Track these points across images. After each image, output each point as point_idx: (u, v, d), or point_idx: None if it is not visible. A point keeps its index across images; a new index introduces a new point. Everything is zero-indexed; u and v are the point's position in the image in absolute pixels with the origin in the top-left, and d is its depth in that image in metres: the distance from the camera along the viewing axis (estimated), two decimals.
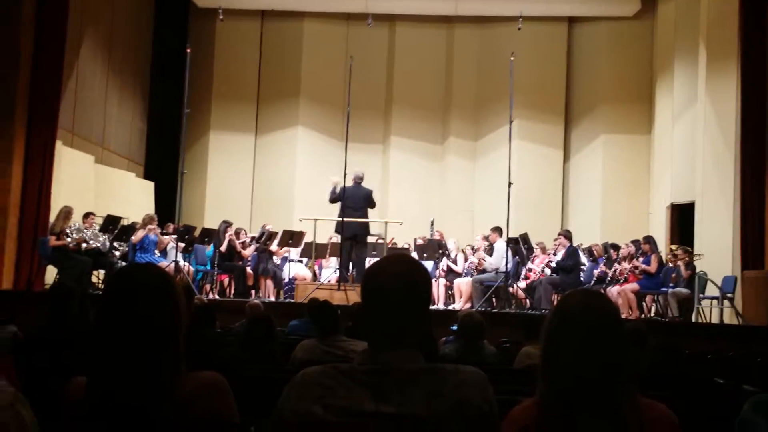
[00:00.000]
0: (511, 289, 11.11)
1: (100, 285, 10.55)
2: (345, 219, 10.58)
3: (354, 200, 10.74)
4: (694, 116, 12.51)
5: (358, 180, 10.96)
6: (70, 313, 4.45)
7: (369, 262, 10.40)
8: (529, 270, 11.44)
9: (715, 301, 10.50)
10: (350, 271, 10.82)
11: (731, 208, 11.21)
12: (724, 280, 10.53)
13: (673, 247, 11.02)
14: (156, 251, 10.97)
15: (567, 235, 11.28)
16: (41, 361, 3.78)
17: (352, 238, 10.71)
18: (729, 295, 10.26)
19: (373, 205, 11.09)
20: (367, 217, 11.01)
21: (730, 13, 11.34)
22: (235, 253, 11.45)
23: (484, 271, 11.28)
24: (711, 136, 11.81)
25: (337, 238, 11.39)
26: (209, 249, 11.65)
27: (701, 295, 10.41)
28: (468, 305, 10.83)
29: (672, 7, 13.83)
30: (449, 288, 11.79)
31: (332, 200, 10.93)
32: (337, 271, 10.65)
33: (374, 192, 11.31)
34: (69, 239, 9.98)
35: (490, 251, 11.47)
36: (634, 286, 10.57)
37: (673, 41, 13.51)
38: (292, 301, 10.74)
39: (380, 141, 16.10)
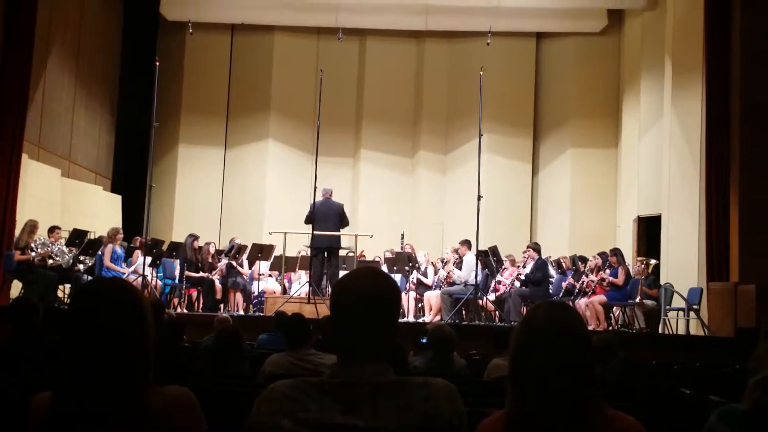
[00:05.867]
0: (480, 301, 11.14)
1: (66, 300, 10.41)
2: (316, 233, 10.63)
3: (325, 214, 10.75)
4: (660, 130, 12.68)
5: (328, 194, 10.98)
6: (33, 328, 4.39)
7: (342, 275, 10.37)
8: (499, 282, 11.50)
9: (681, 313, 10.64)
10: (325, 285, 10.77)
11: (697, 221, 11.34)
12: (690, 291, 10.66)
13: (640, 259, 11.15)
14: (123, 265, 10.86)
15: (536, 247, 11.37)
16: (5, 376, 3.72)
17: (326, 251, 10.74)
18: (695, 307, 10.38)
19: (345, 222, 11.07)
20: (338, 230, 11.01)
21: (695, 28, 11.53)
22: (205, 263, 11.37)
23: (453, 283, 11.30)
24: (677, 149, 11.96)
25: (306, 252, 11.36)
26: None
27: (668, 307, 10.54)
28: (438, 318, 10.85)
29: (638, 23, 14.04)
30: (419, 301, 11.79)
31: (306, 220, 10.89)
32: (307, 284, 10.62)
33: (345, 206, 11.32)
34: (34, 254, 9.84)
35: (459, 264, 11.49)
36: (602, 298, 10.66)
37: (640, 57, 13.69)
38: (262, 314, 10.67)
39: (350, 154, 16.10)
